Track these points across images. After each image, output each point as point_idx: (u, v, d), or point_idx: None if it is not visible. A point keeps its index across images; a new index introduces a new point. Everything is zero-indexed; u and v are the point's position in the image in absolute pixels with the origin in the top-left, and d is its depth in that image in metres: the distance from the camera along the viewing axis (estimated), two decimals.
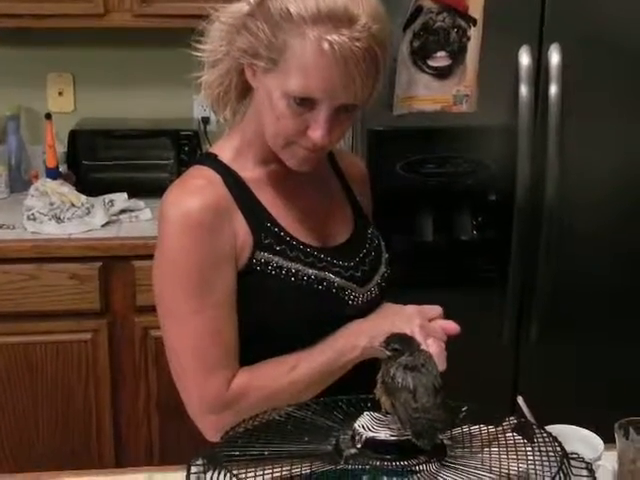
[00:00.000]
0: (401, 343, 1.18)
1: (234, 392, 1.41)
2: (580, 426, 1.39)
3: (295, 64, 1.32)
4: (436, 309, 1.47)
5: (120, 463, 2.59)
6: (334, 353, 1.44)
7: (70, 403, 2.57)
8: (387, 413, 1.13)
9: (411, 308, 1.46)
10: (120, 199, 2.71)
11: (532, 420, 1.30)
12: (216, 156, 1.49)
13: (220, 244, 1.40)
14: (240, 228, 1.43)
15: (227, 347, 1.42)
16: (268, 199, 1.48)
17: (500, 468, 1.10)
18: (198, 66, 1.48)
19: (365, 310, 1.52)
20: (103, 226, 2.59)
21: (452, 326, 1.44)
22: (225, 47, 1.42)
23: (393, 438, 1.09)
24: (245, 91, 1.47)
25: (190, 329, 1.40)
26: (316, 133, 1.37)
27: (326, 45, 1.30)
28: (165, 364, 1.47)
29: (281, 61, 1.33)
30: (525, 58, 2.38)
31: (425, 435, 1.09)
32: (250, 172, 1.48)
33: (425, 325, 1.41)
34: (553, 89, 2.39)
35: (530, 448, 1.16)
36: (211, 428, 1.41)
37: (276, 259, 1.44)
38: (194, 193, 1.42)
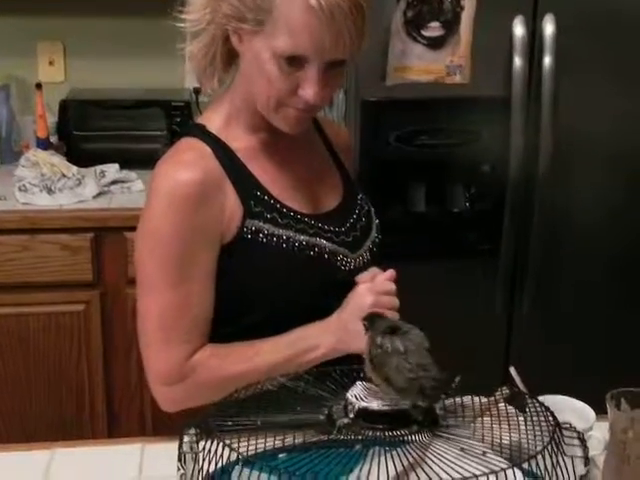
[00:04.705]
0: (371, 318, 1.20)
1: (188, 367, 1.42)
2: (573, 396, 1.40)
3: (282, 23, 1.32)
4: (386, 276, 1.48)
5: (112, 434, 2.59)
6: (297, 350, 1.45)
7: (62, 374, 2.57)
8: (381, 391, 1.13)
9: (361, 288, 1.47)
10: (112, 170, 2.69)
11: (524, 390, 1.30)
12: (204, 127, 1.49)
13: (204, 221, 1.40)
14: (229, 199, 1.43)
15: (194, 323, 1.43)
16: (257, 168, 1.48)
17: (492, 438, 1.10)
18: (182, 37, 1.47)
19: (356, 275, 1.52)
20: (95, 197, 2.57)
21: (390, 274, 1.48)
22: (209, 15, 1.41)
23: (386, 408, 1.09)
24: (231, 59, 1.47)
25: (160, 299, 1.41)
26: (308, 91, 1.37)
27: (313, 1, 1.29)
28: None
29: (268, 22, 1.33)
30: (519, 29, 2.37)
31: (428, 392, 1.09)
32: (239, 141, 1.48)
33: (377, 301, 1.43)
34: (547, 60, 2.38)
35: (522, 418, 1.16)
36: (163, 399, 1.45)
37: (267, 227, 1.44)
38: (183, 166, 1.42)
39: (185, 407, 1.45)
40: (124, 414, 2.63)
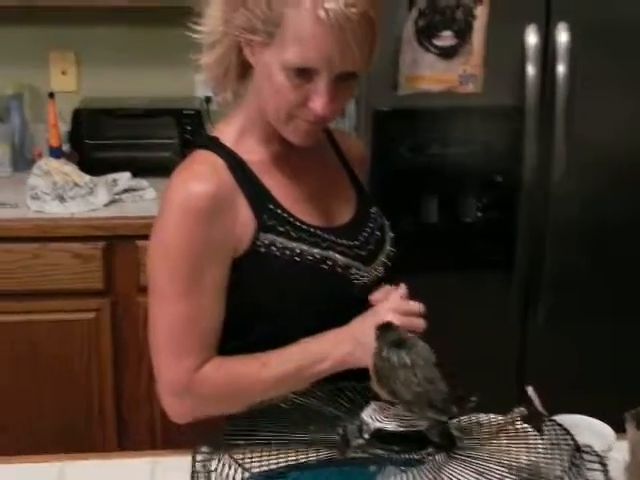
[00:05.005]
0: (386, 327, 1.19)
1: (196, 379, 1.42)
2: (590, 411, 1.37)
3: (292, 35, 1.31)
4: (401, 294, 1.46)
5: (122, 443, 2.59)
6: (305, 361, 1.43)
7: (72, 383, 2.56)
8: (390, 404, 1.12)
9: (381, 307, 1.44)
10: (123, 178, 2.70)
11: (542, 411, 1.28)
12: (218, 139, 1.49)
13: (216, 234, 1.40)
14: (242, 212, 1.43)
15: (202, 336, 1.43)
16: (271, 181, 1.48)
17: (510, 459, 1.09)
18: (196, 48, 1.47)
19: (371, 289, 1.51)
20: (106, 205, 2.57)
21: (403, 291, 1.46)
22: (223, 27, 1.41)
23: (401, 429, 1.07)
24: (245, 70, 1.46)
25: (170, 311, 1.42)
26: (317, 104, 1.36)
27: (322, 13, 1.29)
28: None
29: (278, 33, 1.32)
30: (532, 37, 2.36)
31: (438, 405, 1.08)
32: (253, 154, 1.48)
33: (403, 322, 1.39)
34: (560, 69, 2.37)
35: (540, 439, 1.14)
36: (171, 409, 1.44)
37: (280, 240, 1.43)
38: (197, 179, 1.42)
39: (193, 419, 1.45)
40: (134, 423, 2.62)
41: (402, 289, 1.46)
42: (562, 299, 2.53)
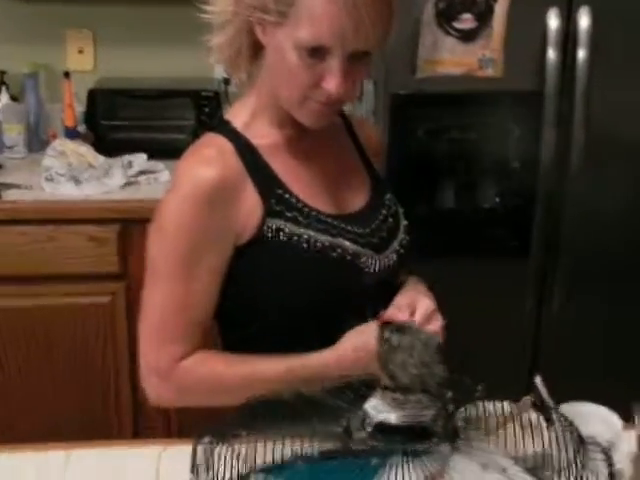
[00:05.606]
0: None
1: (179, 370, 1.42)
2: (604, 399, 1.35)
3: (304, 13, 1.30)
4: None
5: (138, 428, 2.60)
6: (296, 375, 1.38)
7: (88, 367, 2.56)
8: (387, 388, 1.11)
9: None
10: (139, 160, 2.68)
11: (549, 400, 1.27)
12: (229, 122, 1.48)
13: (216, 221, 1.39)
14: (249, 197, 1.41)
15: (189, 324, 1.42)
16: (280, 165, 1.46)
17: (516, 450, 1.08)
18: (207, 28, 1.45)
19: (382, 278, 1.50)
20: (121, 187, 2.56)
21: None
22: (233, 6, 1.39)
23: (404, 421, 1.06)
24: (257, 51, 1.44)
25: (161, 294, 1.41)
26: (330, 83, 1.34)
27: None
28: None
29: (290, 12, 1.31)
30: (554, 21, 2.32)
31: (431, 389, 1.08)
32: (264, 138, 1.47)
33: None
34: (581, 54, 2.33)
35: (548, 429, 1.13)
36: (150, 394, 1.45)
37: (288, 226, 1.42)
38: (203, 163, 1.41)
39: (172, 406, 1.50)
40: (149, 408, 2.60)
41: (429, 303, 1.39)
42: (578, 286, 2.51)
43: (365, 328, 1.36)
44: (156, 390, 1.45)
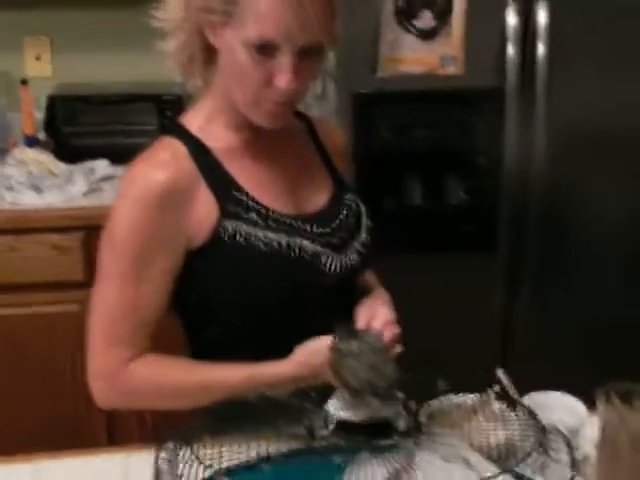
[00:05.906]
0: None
1: (126, 373, 1.41)
2: (572, 389, 1.37)
3: (249, 11, 1.30)
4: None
5: (112, 437, 2.56)
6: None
7: (57, 377, 2.51)
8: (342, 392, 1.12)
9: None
10: (101, 166, 2.65)
11: (512, 391, 1.28)
12: (183, 126, 1.47)
13: (167, 225, 1.38)
14: (202, 200, 1.41)
15: (138, 326, 1.42)
16: (237, 167, 1.45)
17: (481, 441, 1.08)
18: (161, 34, 1.45)
19: (342, 278, 1.49)
20: (84, 195, 2.53)
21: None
22: (184, 12, 1.40)
23: (365, 419, 1.06)
24: (211, 55, 1.44)
25: (109, 295, 1.41)
26: (281, 80, 1.34)
27: None
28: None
29: (235, 12, 1.31)
30: (512, 18, 2.33)
31: (381, 392, 1.09)
32: (219, 141, 1.46)
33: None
34: (541, 49, 2.34)
35: (512, 417, 1.14)
36: (96, 394, 1.45)
37: (245, 227, 1.41)
38: (155, 166, 1.40)
39: (118, 407, 1.50)
40: (123, 416, 2.57)
41: (388, 313, 1.40)
42: (545, 280, 2.52)
43: (319, 339, 1.35)
44: (102, 392, 1.44)
